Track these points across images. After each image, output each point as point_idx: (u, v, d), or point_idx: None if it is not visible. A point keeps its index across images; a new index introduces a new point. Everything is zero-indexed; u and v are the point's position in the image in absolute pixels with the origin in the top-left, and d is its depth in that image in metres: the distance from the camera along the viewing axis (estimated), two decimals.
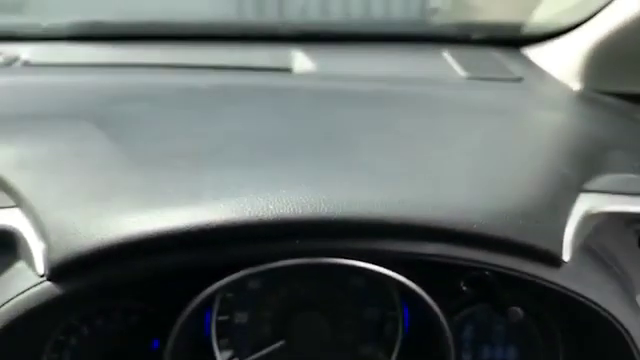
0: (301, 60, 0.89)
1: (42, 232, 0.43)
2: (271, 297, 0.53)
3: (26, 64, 0.90)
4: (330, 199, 0.45)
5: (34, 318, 0.41)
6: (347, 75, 0.83)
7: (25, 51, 0.91)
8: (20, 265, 0.44)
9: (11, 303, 0.42)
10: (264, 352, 0.52)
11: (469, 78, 0.80)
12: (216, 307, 0.50)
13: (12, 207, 0.45)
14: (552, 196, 0.49)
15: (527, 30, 0.90)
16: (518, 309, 0.49)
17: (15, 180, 0.47)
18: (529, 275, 0.47)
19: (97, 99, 0.67)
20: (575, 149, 0.59)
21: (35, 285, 0.42)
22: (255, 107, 0.66)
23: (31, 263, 0.43)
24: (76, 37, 0.96)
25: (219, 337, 0.53)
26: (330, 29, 0.93)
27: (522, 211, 0.47)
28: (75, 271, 0.42)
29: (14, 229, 0.44)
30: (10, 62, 0.90)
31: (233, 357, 0.53)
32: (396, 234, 0.45)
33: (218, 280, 0.45)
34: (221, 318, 0.54)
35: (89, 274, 0.42)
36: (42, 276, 0.43)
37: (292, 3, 1.47)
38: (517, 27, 0.91)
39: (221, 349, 0.53)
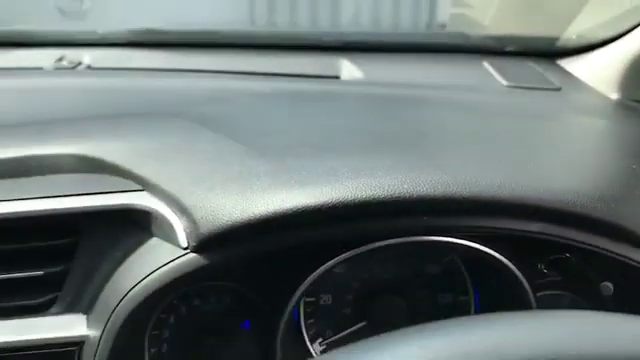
0: (348, 68, 0.95)
1: (182, 211, 0.47)
2: (354, 281, 0.57)
3: (89, 68, 0.96)
4: (456, 180, 0.50)
5: (176, 288, 0.45)
6: (394, 82, 0.88)
7: (86, 56, 0.97)
8: (154, 241, 0.49)
9: (157, 273, 0.46)
10: (347, 332, 0.56)
11: (510, 87, 0.85)
12: (304, 288, 0.53)
13: (140, 190, 0.50)
14: (632, 186, 0.54)
15: (562, 43, 0.95)
16: (609, 284, 0.53)
17: (139, 168, 0.51)
18: (620, 255, 0.51)
19: (175, 100, 0.72)
20: (629, 150, 0.63)
21: (180, 257, 0.47)
22: (323, 108, 0.71)
23: (171, 238, 0.47)
24: (132, 43, 1.02)
25: (305, 318, 0.58)
26: (374, 40, 0.98)
27: (613, 196, 0.52)
28: (219, 244, 0.46)
29: (151, 209, 0.49)
30: (75, 66, 0.96)
31: (317, 337, 0.58)
32: (510, 213, 0.49)
33: (321, 260, 0.50)
34: (309, 299, 0.58)
35: (231, 247, 0.47)
36: (186, 249, 0.47)
37: (329, 15, 1.54)
38: (553, 40, 0.96)
39: (307, 329, 0.57)
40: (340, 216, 0.47)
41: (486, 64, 0.90)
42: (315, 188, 0.47)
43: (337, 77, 0.92)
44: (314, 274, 0.51)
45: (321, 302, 0.57)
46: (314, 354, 0.56)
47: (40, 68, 0.93)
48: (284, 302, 0.52)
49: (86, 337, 0.47)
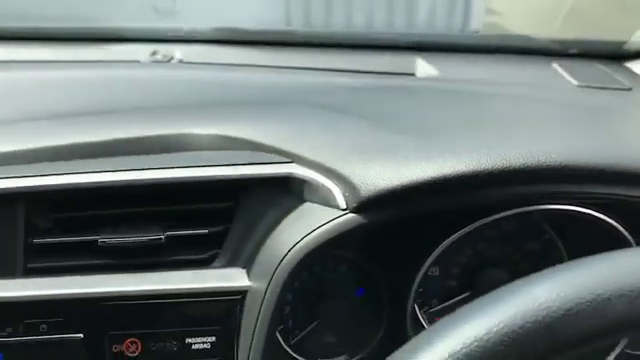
0: (423, 66, 1.00)
1: (338, 177, 0.53)
2: (460, 255, 0.62)
3: (181, 62, 1.04)
4: (575, 149, 0.55)
5: (334, 246, 0.52)
6: (469, 79, 0.93)
7: (177, 51, 1.05)
8: (308, 206, 0.55)
9: (319, 231, 0.52)
10: (452, 301, 0.61)
11: (581, 86, 0.89)
12: (434, 257, 0.59)
13: (290, 162, 0.56)
14: None
15: (629, 46, 0.99)
16: None
17: (285, 145, 0.58)
18: None
19: (273, 93, 0.79)
20: None
21: (340, 216, 0.52)
22: (410, 100, 0.77)
23: (328, 202, 0.53)
24: (216, 40, 1.09)
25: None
26: (445, 40, 1.04)
27: None
28: (376, 206, 0.52)
29: (306, 177, 0.55)
30: (168, 59, 1.04)
31: (423, 306, 0.63)
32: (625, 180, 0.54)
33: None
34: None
35: (385, 209, 0.52)
36: (344, 210, 0.53)
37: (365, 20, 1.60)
38: (619, 43, 1.00)
39: (414, 299, 0.63)
40: (482, 182, 0.52)
41: (555, 65, 0.95)
42: (455, 158, 0.52)
43: (413, 74, 0.98)
44: (444, 243, 0.56)
45: (429, 273, 0.63)
46: (423, 323, 0.62)
47: (137, 61, 1.02)
48: (413, 272, 0.58)
49: (249, 288, 0.53)
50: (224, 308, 0.53)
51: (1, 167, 0.56)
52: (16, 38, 1.00)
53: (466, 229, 0.57)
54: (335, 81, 0.92)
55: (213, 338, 0.53)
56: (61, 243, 0.54)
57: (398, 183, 0.52)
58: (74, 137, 0.65)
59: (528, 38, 1.01)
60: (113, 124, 0.69)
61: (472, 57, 1.02)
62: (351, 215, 0.53)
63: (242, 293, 0.53)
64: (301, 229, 0.54)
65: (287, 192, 0.57)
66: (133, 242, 0.54)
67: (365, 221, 0.52)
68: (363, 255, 0.61)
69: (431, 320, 0.64)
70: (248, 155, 0.58)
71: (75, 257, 0.54)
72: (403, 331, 0.64)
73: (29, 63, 0.95)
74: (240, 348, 0.53)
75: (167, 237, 0.54)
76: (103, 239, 0.54)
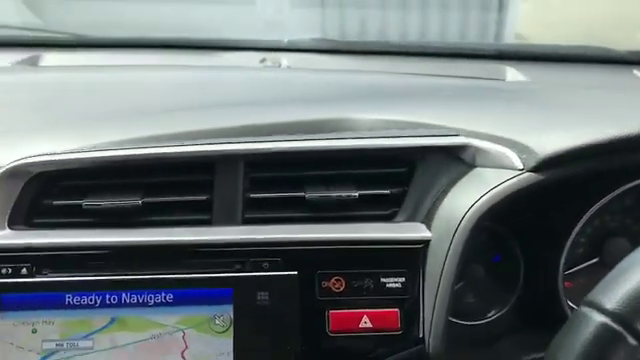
0: (512, 73, 1.11)
1: (512, 143, 0.61)
2: (586, 227, 0.68)
3: (289, 68, 1.15)
4: None
5: (511, 203, 0.59)
6: (556, 83, 1.04)
7: (284, 59, 1.16)
8: (480, 170, 0.62)
9: (497, 190, 0.58)
10: (582, 266, 0.68)
11: None
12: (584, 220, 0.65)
13: (456, 135, 0.64)
14: None
15: None
16: None
17: (449, 121, 0.67)
18: None
19: (388, 91, 0.89)
20: None
21: (516, 176, 0.59)
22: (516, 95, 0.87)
23: (503, 164, 0.60)
24: (315, 50, 1.20)
25: None
26: (529, 50, 1.14)
27: None
28: (550, 165, 0.59)
29: (479, 144, 0.63)
30: (277, 66, 1.15)
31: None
32: None
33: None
34: None
35: (557, 169, 0.59)
36: (521, 170, 0.60)
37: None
38: None
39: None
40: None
41: (636, 71, 1.05)
42: (616, 125, 0.60)
43: (503, 80, 1.09)
44: (590, 210, 0.63)
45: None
46: (560, 287, 0.68)
47: (249, 67, 1.13)
48: (562, 237, 0.65)
49: (430, 239, 0.60)
50: (409, 254, 0.61)
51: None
52: (150, 46, 1.12)
53: (612, 194, 0.64)
54: (438, 82, 1.03)
55: (402, 279, 0.61)
56: (273, 198, 0.64)
57: (574, 144, 0.60)
58: (246, 120, 0.75)
59: (607, 49, 1.12)
60: (273, 112, 0.79)
61: (555, 65, 1.12)
62: (528, 174, 0.60)
63: (424, 243, 0.61)
64: (478, 189, 0.61)
65: (458, 160, 0.65)
66: (335, 197, 0.62)
67: (541, 178, 0.59)
68: (502, 224, 0.69)
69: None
70: (416, 131, 0.67)
71: (284, 210, 0.63)
72: (537, 294, 0.71)
73: (162, 67, 1.06)
74: (426, 292, 0.60)
75: (360, 195, 0.63)
76: (309, 195, 0.63)
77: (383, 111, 0.74)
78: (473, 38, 1.93)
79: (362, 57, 1.21)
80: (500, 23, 1.86)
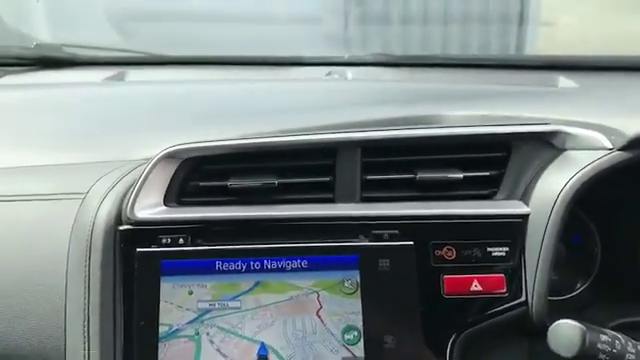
0: (564, 82, 1.19)
1: (601, 127, 0.69)
2: None
3: (355, 79, 1.24)
4: None
5: (599, 180, 0.66)
6: (609, 88, 1.12)
7: (348, 72, 1.25)
8: (571, 153, 0.70)
9: (589, 167, 0.66)
10: None
11: None
12: None
13: (547, 124, 0.73)
14: None
15: None
16: None
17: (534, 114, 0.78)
18: None
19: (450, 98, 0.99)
20: None
21: (607, 155, 0.67)
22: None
23: (593, 146, 0.68)
24: (373, 63, 1.30)
25: None
26: (580, 60, 1.23)
27: None
28: (637, 145, 0.66)
29: (570, 130, 0.70)
30: (343, 78, 1.24)
31: None
32: None
33: None
34: None
35: None
36: (610, 149, 0.68)
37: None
38: None
39: None
40: None
41: None
42: None
43: (557, 86, 1.17)
44: None
45: None
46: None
47: (319, 79, 1.22)
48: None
49: (529, 213, 0.68)
50: (511, 227, 0.69)
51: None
52: (222, 63, 1.22)
53: None
54: (500, 89, 1.11)
55: (506, 248, 0.68)
56: (387, 179, 0.72)
57: None
58: (347, 119, 0.84)
59: None
60: (367, 112, 0.88)
61: (607, 74, 1.21)
62: (618, 152, 0.68)
63: (523, 217, 0.69)
64: (572, 168, 0.68)
65: (550, 145, 0.73)
66: (442, 178, 0.71)
67: (630, 156, 0.67)
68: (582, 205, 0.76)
69: None
70: (511, 120, 0.77)
71: (397, 190, 0.71)
72: (615, 271, 0.79)
73: (239, 80, 1.16)
74: (527, 260, 0.67)
75: (464, 177, 0.71)
76: (420, 176, 0.71)
77: (471, 108, 0.83)
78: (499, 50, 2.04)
79: (422, 69, 1.30)
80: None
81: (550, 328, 0.58)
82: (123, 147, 0.84)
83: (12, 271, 0.70)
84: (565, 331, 0.56)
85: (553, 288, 0.79)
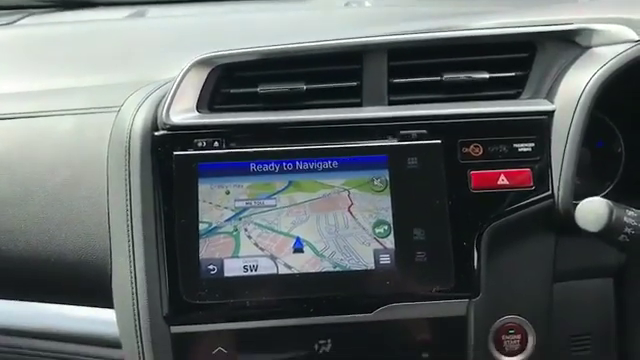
0: None
1: (626, 20, 0.69)
2: None
3: (373, 6, 1.24)
4: None
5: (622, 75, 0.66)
6: None
7: (366, 2, 1.25)
8: (595, 49, 0.70)
9: (614, 60, 0.66)
10: None
11: None
12: None
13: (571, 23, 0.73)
14: None
15: None
16: None
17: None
18: None
19: None
20: None
21: (634, 46, 0.67)
22: None
23: (618, 40, 0.69)
24: None
25: None
26: None
27: None
28: None
29: (594, 26, 0.70)
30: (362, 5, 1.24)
31: None
32: None
33: None
34: None
35: None
36: (637, 40, 0.68)
37: None
38: None
39: None
40: None
41: None
42: None
43: None
44: None
45: None
46: None
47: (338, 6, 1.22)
48: None
49: (554, 109, 0.69)
50: (536, 123, 0.70)
51: None
52: None
53: None
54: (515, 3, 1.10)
55: (532, 144, 0.70)
56: (414, 82, 0.73)
57: None
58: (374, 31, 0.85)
59: None
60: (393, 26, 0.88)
61: None
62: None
63: (548, 114, 0.70)
64: (597, 63, 0.69)
65: (574, 43, 0.73)
66: (468, 79, 0.72)
67: None
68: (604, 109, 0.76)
69: None
70: (536, 21, 0.75)
71: (423, 92, 0.73)
72: (638, 172, 0.80)
73: (259, 11, 1.17)
74: (553, 156, 0.69)
75: (490, 77, 0.72)
76: (446, 77, 0.72)
77: (494, 18, 0.83)
78: None
79: None
80: None
81: (578, 206, 0.59)
82: (151, 68, 0.86)
83: (53, 181, 0.74)
84: (593, 206, 0.57)
85: (577, 193, 0.80)
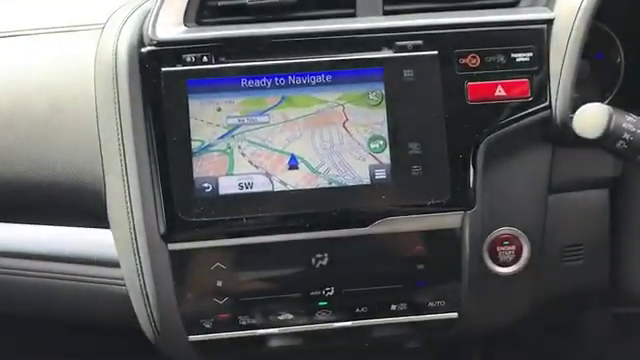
0: None
1: None
2: None
3: None
4: None
5: None
6: None
7: None
8: None
9: None
10: None
11: None
12: None
13: None
14: None
15: None
16: None
17: None
18: None
19: None
20: None
21: None
22: None
23: None
24: None
25: None
26: None
27: None
28: None
29: None
30: None
31: None
32: None
33: None
34: None
35: None
36: None
37: None
38: None
39: None
40: None
41: None
42: None
43: None
44: None
45: None
46: None
47: None
48: None
49: (554, 17, 0.66)
50: (535, 32, 0.68)
51: None
52: None
53: None
54: None
55: (530, 53, 0.68)
56: None
57: None
58: None
59: None
60: None
61: None
62: None
63: (548, 22, 0.68)
64: None
65: None
66: None
67: None
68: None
69: None
70: None
71: (420, 1, 0.70)
72: (637, 82, 0.77)
73: None
74: (552, 65, 0.67)
75: None
76: None
77: None
78: None
79: None
80: None
81: (577, 112, 0.59)
82: None
83: (39, 104, 0.72)
84: (592, 111, 0.56)
85: (575, 105, 0.79)
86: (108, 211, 0.69)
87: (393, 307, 0.69)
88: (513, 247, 0.69)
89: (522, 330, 1.17)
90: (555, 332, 1.18)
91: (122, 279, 0.70)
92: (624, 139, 0.55)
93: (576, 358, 1.20)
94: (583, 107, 0.58)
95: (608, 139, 0.56)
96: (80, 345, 1.05)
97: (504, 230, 0.69)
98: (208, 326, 0.68)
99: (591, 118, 0.56)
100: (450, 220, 0.67)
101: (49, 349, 1.08)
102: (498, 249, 0.69)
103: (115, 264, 0.70)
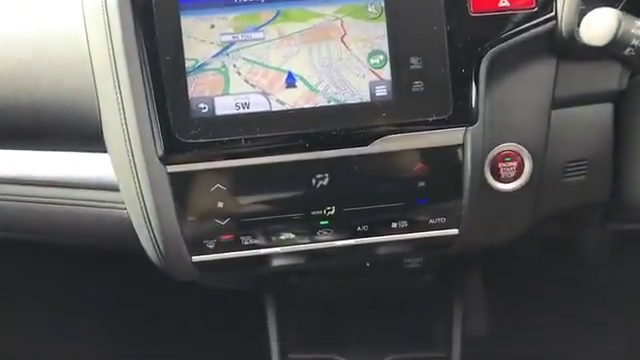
0: None
1: None
2: None
3: None
4: None
5: None
6: None
7: None
8: None
9: None
10: None
11: None
12: None
13: None
14: None
15: None
16: None
17: None
18: None
19: None
20: None
21: None
22: None
23: None
24: None
25: None
26: None
27: None
28: None
29: None
30: None
31: None
32: None
33: None
34: None
35: None
36: None
37: None
38: None
39: None
40: None
41: None
42: None
43: None
44: None
45: None
46: None
47: None
48: None
49: None
50: None
51: None
52: None
53: None
54: None
55: None
56: None
57: None
58: None
59: None
60: None
61: None
62: None
63: None
64: None
65: None
66: None
67: None
68: None
69: None
70: None
71: None
72: None
73: None
74: None
75: None
76: None
77: None
78: None
79: None
80: None
81: (584, 18, 0.56)
82: None
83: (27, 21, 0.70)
84: (601, 17, 0.54)
85: (582, 16, 0.76)
86: (104, 134, 0.68)
87: (394, 225, 0.69)
88: (515, 163, 0.69)
89: (521, 250, 1.20)
90: (554, 252, 1.20)
91: (123, 203, 0.70)
92: (633, 46, 0.54)
93: (575, 276, 1.23)
94: (591, 12, 0.56)
95: (616, 47, 0.54)
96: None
97: (506, 146, 0.68)
98: (211, 247, 0.68)
99: (599, 24, 0.54)
100: (452, 137, 0.66)
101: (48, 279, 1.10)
102: (500, 165, 0.68)
103: (115, 188, 0.70)
